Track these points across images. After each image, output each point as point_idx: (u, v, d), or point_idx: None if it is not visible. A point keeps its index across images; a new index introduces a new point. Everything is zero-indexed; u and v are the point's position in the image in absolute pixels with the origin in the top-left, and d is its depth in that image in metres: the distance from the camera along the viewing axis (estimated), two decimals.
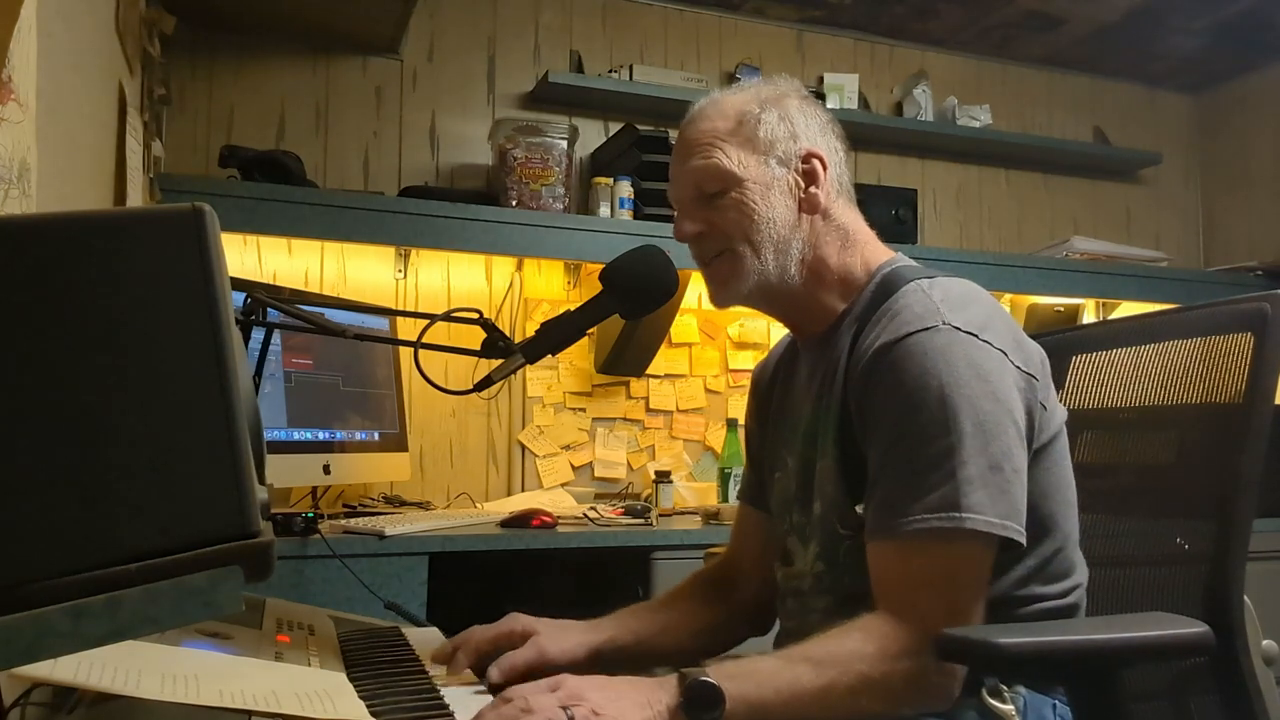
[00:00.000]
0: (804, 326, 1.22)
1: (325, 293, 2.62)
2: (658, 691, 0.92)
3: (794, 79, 1.23)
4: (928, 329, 1.02)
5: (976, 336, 1.02)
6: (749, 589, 1.33)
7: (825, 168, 1.16)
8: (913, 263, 1.19)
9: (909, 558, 0.98)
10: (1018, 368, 1.04)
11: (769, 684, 0.92)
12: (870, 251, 1.19)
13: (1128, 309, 3.16)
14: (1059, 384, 1.39)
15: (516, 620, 1.18)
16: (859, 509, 1.07)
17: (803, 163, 1.16)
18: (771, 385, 1.31)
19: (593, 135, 2.93)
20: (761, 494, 1.32)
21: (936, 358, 1.00)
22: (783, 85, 1.21)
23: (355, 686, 0.91)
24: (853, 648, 0.95)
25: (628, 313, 1.27)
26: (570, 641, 1.17)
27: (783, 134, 1.16)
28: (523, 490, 2.76)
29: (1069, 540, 1.11)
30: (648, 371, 2.87)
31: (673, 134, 2.71)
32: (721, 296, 1.19)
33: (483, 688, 1.08)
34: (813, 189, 1.15)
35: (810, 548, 1.17)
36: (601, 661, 1.19)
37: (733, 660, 0.96)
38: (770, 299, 1.19)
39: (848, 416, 1.08)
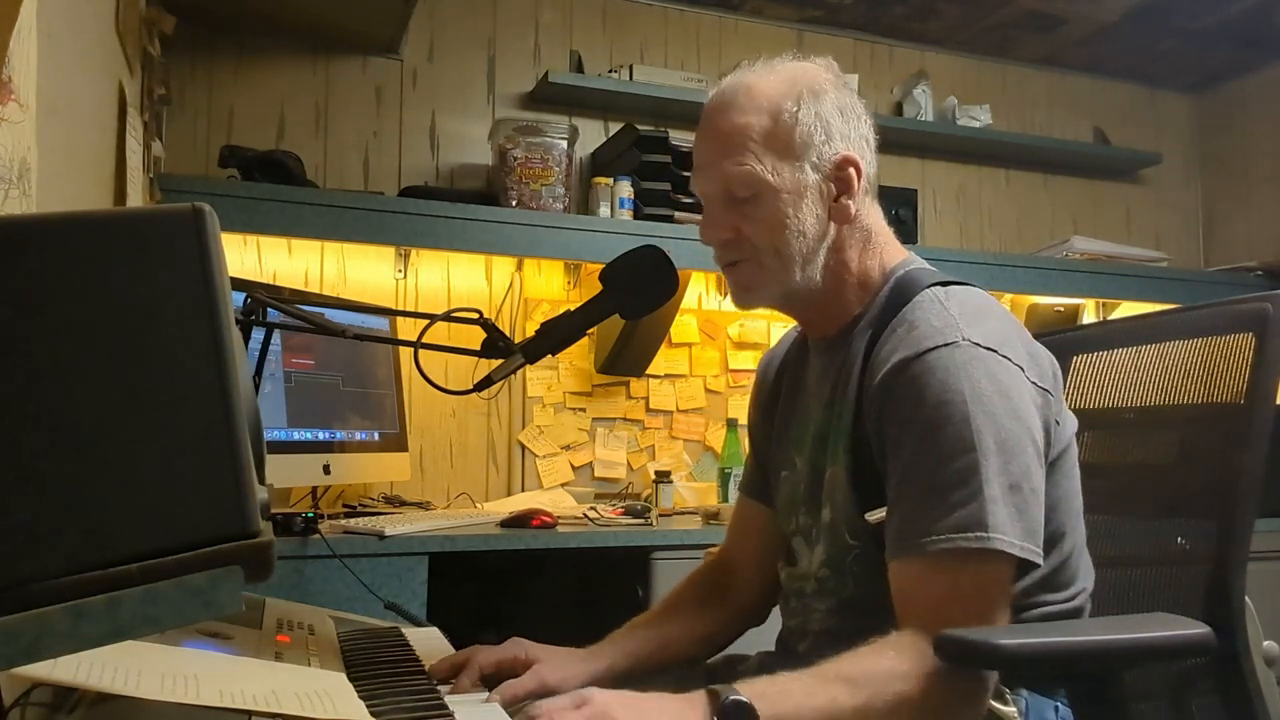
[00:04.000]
0: (818, 326, 1.20)
1: (325, 293, 2.61)
2: (688, 711, 0.90)
3: (829, 60, 1.18)
4: (948, 344, 1.01)
5: (996, 352, 1.01)
6: (747, 589, 1.32)
7: (859, 175, 1.12)
8: (926, 264, 1.17)
9: (936, 575, 0.97)
10: (1034, 384, 1.04)
11: (806, 704, 0.91)
12: (887, 252, 1.17)
13: (1128, 309, 3.16)
14: None
15: (520, 646, 1.18)
16: (869, 517, 1.06)
17: (837, 169, 1.12)
18: (779, 381, 1.30)
19: (593, 135, 2.93)
20: (764, 489, 1.31)
21: (959, 374, 0.99)
22: (820, 73, 1.15)
23: (355, 686, 0.90)
24: (888, 666, 0.93)
25: (628, 313, 1.27)
26: (571, 670, 1.16)
27: (819, 136, 1.11)
28: (523, 490, 2.75)
29: (1075, 549, 1.11)
30: (648, 371, 2.87)
31: (673, 134, 2.74)
32: (745, 300, 1.17)
33: (485, 693, 1.08)
34: (844, 198, 1.12)
35: (816, 552, 1.16)
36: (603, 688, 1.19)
37: (764, 678, 0.93)
38: (790, 302, 1.17)
39: (861, 427, 1.07)
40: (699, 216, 1.19)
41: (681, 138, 2.73)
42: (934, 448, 0.99)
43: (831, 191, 1.12)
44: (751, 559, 1.33)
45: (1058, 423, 1.07)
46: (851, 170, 1.12)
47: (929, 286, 1.10)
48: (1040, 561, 0.98)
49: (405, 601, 1.82)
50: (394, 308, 2.67)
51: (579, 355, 2.85)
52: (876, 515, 1.05)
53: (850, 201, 1.13)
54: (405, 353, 2.49)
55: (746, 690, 0.90)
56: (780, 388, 1.29)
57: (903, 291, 1.11)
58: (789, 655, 1.19)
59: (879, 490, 1.04)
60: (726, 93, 1.14)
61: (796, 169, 1.11)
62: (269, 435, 2.04)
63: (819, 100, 1.12)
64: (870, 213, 1.17)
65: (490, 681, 1.12)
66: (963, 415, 0.98)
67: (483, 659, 1.14)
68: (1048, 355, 1.11)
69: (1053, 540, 1.06)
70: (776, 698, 0.90)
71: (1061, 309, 3.19)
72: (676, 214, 2.69)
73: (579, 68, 2.94)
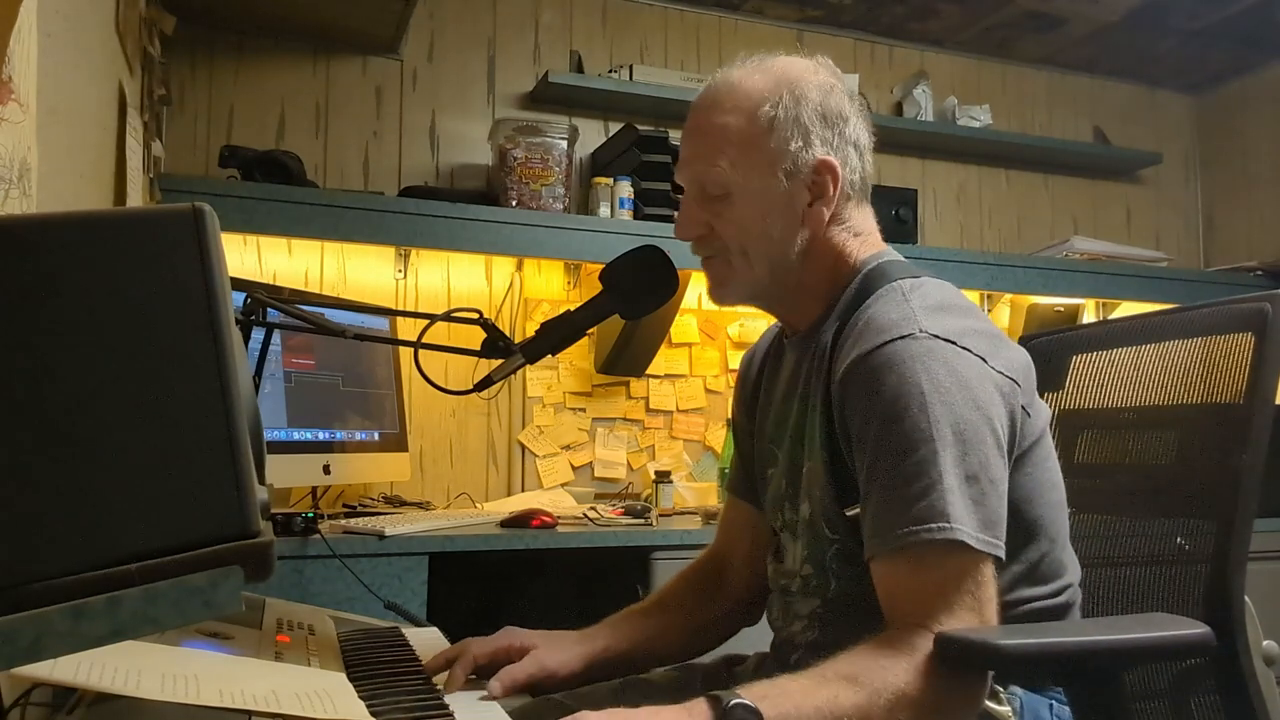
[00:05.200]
0: (792, 321, 1.21)
1: (325, 293, 2.61)
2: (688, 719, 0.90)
3: (825, 59, 1.17)
4: (903, 337, 1.01)
5: (955, 343, 1.01)
6: (739, 584, 1.33)
7: (835, 182, 1.12)
8: (900, 258, 1.17)
9: (913, 571, 0.97)
10: (999, 372, 1.03)
11: (807, 703, 0.90)
12: (866, 248, 1.17)
13: (1128, 309, 3.16)
14: (1059, 384, 1.39)
15: (513, 634, 1.18)
16: (848, 513, 1.06)
17: (814, 174, 1.11)
18: (759, 378, 1.30)
19: (593, 135, 2.93)
20: (749, 487, 1.31)
21: (914, 366, 0.99)
22: (809, 75, 1.14)
23: (355, 686, 0.91)
24: (886, 663, 0.93)
25: (628, 313, 1.27)
26: (567, 653, 1.16)
27: (796, 143, 1.10)
28: (523, 490, 2.75)
29: (1056, 542, 1.10)
30: (648, 371, 2.87)
31: (673, 134, 2.74)
32: (718, 296, 1.19)
33: (484, 692, 1.08)
34: (818, 204, 1.12)
35: (798, 547, 1.16)
36: (599, 670, 1.19)
37: (764, 681, 0.93)
38: (763, 299, 1.19)
39: (832, 422, 1.07)
40: None
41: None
42: (893, 442, 0.98)
43: (805, 196, 1.12)
44: (742, 557, 1.33)
45: (1028, 413, 1.06)
46: (828, 177, 1.12)
47: (896, 279, 1.10)
48: (1000, 554, 0.97)
49: (405, 601, 1.82)
50: (394, 308, 2.67)
51: (579, 355, 2.85)
52: (855, 510, 1.05)
53: (825, 208, 1.13)
54: (405, 353, 2.49)
55: (747, 693, 0.90)
56: (760, 385, 1.29)
57: (868, 285, 1.12)
58: (784, 666, 1.18)
59: (855, 484, 1.04)
60: (712, 89, 1.15)
61: (769, 175, 1.11)
62: (269, 435, 2.04)
63: (800, 104, 1.11)
64: (854, 214, 1.16)
65: (485, 673, 1.12)
66: (920, 406, 0.98)
67: (477, 650, 1.14)
68: (1019, 350, 1.10)
69: (1030, 532, 1.06)
70: (778, 699, 0.90)
71: (1061, 309, 3.19)
72: (676, 214, 2.68)
73: (579, 68, 2.94)
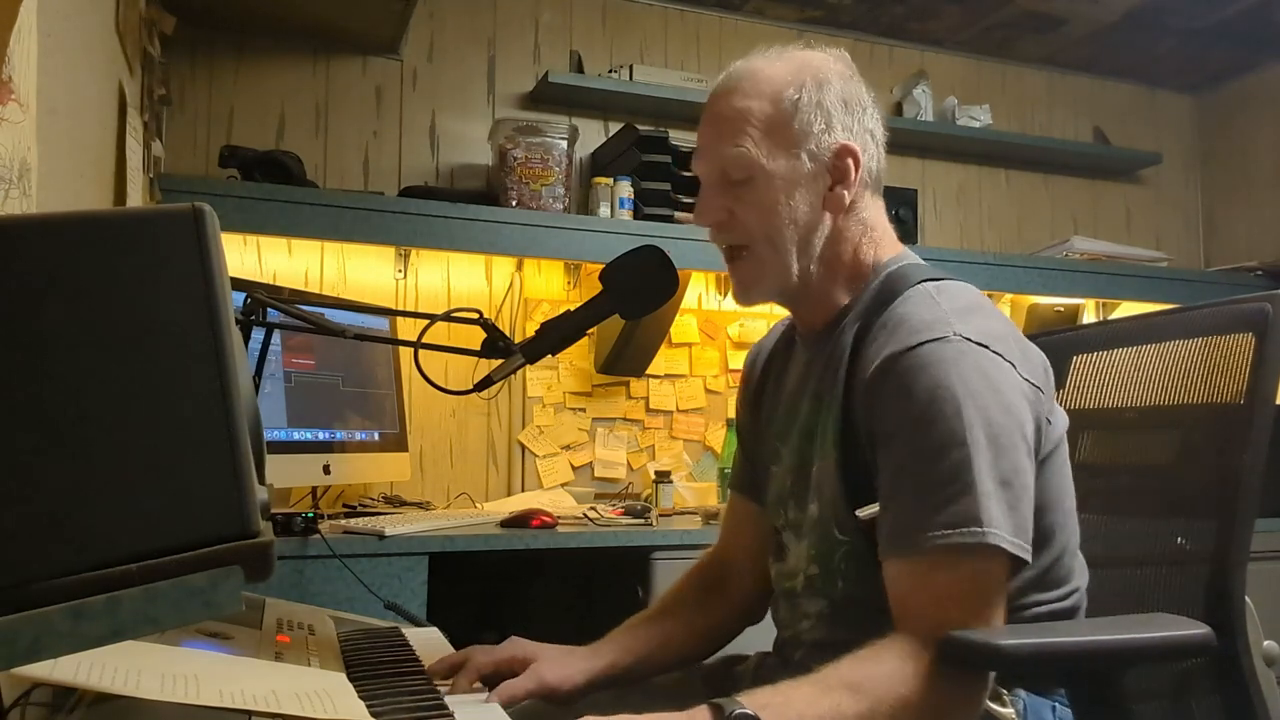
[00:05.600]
0: (807, 318, 1.20)
1: (325, 293, 2.61)
2: None
3: (841, 51, 1.18)
4: (938, 339, 1.00)
5: (988, 348, 1.01)
6: (743, 584, 1.32)
7: (857, 166, 1.12)
8: (919, 260, 1.17)
9: (934, 574, 0.96)
10: (1025, 380, 1.03)
11: (810, 712, 0.90)
12: (882, 247, 1.17)
13: (1128, 309, 3.16)
14: (1060, 384, 1.39)
15: (518, 645, 1.17)
16: (861, 514, 1.05)
17: (835, 158, 1.12)
18: (765, 375, 1.30)
19: (593, 135, 2.93)
20: (753, 484, 1.31)
21: (949, 369, 0.98)
22: (830, 63, 1.15)
23: (355, 686, 0.91)
24: (890, 670, 0.92)
25: (627, 313, 1.27)
26: (571, 669, 1.16)
27: (819, 125, 1.11)
28: (523, 490, 2.75)
29: (1068, 549, 1.10)
30: (648, 371, 2.87)
31: (673, 134, 2.74)
32: (746, 297, 1.18)
33: (485, 692, 1.08)
34: (839, 188, 1.12)
35: (804, 547, 1.16)
36: (601, 686, 1.18)
37: (767, 688, 0.93)
38: (787, 295, 1.18)
39: (851, 421, 1.07)
40: None
41: (681, 138, 2.73)
42: (926, 443, 0.98)
43: (827, 181, 1.12)
44: (746, 554, 1.32)
45: (1049, 421, 1.06)
46: (849, 161, 1.12)
47: (920, 282, 1.10)
48: (1029, 559, 0.97)
49: (405, 601, 1.82)
50: (394, 308, 2.67)
51: (579, 355, 2.85)
52: (868, 511, 1.04)
53: (845, 191, 1.13)
54: (405, 353, 2.49)
55: (749, 701, 0.89)
56: (766, 381, 1.29)
57: (893, 286, 1.11)
58: (786, 664, 1.18)
59: (869, 485, 1.04)
60: (732, 77, 1.15)
61: (793, 156, 1.11)
62: (269, 435, 2.04)
63: (823, 89, 1.12)
64: (870, 207, 1.16)
65: (489, 682, 1.11)
66: (954, 409, 0.97)
67: (481, 659, 1.13)
68: (1039, 353, 1.10)
69: (1044, 539, 1.06)
70: (781, 707, 0.90)
71: (1061, 309, 3.19)
72: (676, 214, 2.68)
73: (579, 68, 2.94)
